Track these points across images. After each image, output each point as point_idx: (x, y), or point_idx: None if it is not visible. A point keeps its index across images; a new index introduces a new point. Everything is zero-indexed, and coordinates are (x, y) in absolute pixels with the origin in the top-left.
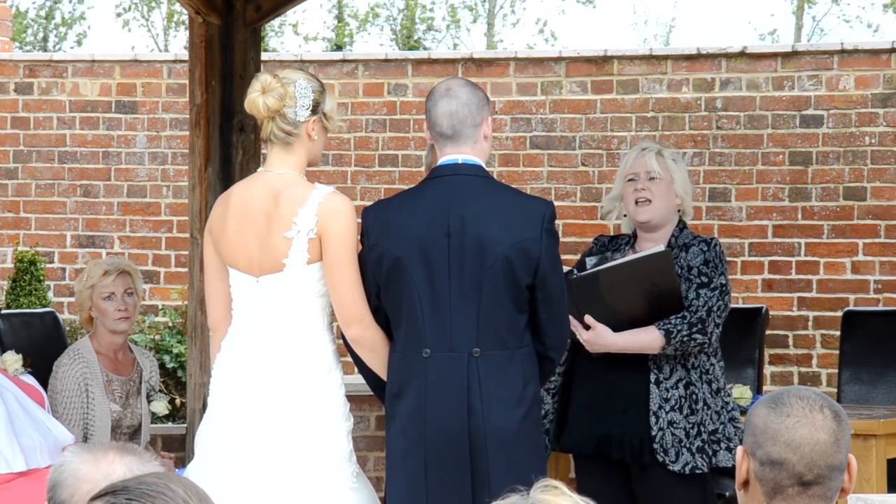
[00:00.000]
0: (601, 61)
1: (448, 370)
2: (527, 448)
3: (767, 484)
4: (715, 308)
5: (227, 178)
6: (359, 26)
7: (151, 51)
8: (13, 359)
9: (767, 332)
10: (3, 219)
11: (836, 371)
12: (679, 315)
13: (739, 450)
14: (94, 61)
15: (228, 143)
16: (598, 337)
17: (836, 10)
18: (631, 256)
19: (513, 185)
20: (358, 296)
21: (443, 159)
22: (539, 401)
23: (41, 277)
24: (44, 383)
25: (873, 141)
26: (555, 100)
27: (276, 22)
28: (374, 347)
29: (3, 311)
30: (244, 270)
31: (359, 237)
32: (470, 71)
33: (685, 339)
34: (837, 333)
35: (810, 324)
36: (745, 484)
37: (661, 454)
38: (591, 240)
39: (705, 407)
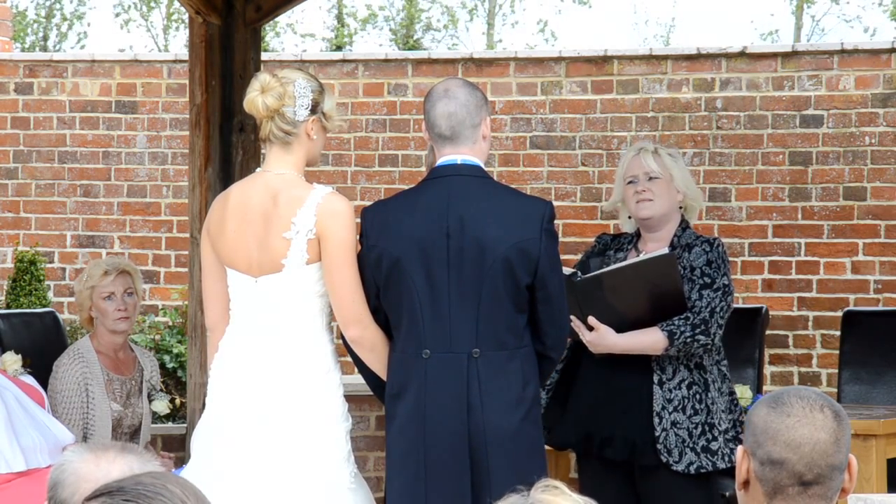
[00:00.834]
0: (601, 61)
1: (448, 370)
2: (527, 448)
3: (768, 484)
4: (718, 309)
5: (227, 178)
6: (359, 26)
7: (151, 51)
8: (13, 359)
9: (767, 332)
10: (3, 219)
11: (836, 371)
12: (682, 316)
13: (739, 449)
14: (94, 61)
15: (228, 143)
16: (601, 338)
17: (835, 9)
18: (634, 259)
19: (513, 185)
20: (357, 296)
21: (442, 160)
22: (539, 401)
23: (41, 277)
24: (44, 383)
25: (873, 141)
26: (555, 100)
27: (275, 22)
28: (373, 348)
29: (3, 312)
30: (243, 271)
31: (358, 237)
32: (470, 71)
33: (688, 340)
34: (837, 333)
35: (810, 324)
36: (746, 484)
37: (665, 454)
38: (590, 240)
39: (715, 406)
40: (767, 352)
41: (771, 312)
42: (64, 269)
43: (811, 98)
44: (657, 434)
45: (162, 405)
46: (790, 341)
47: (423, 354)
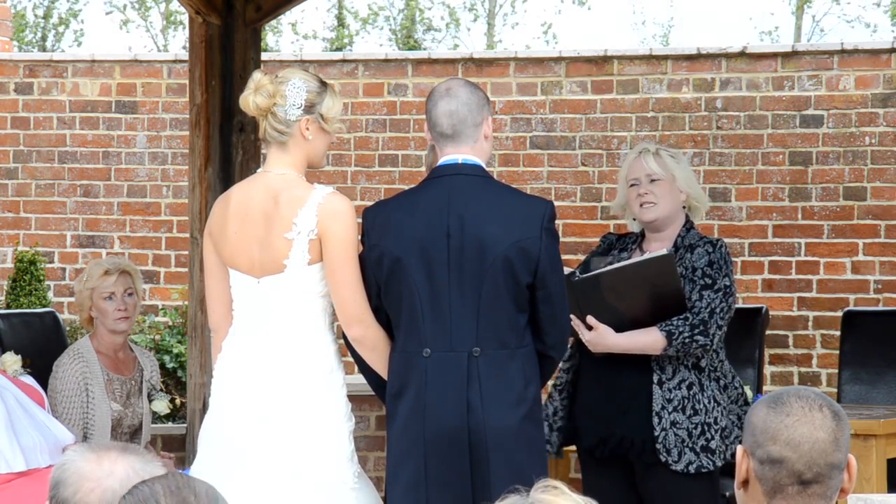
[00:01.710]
0: (601, 61)
1: (448, 370)
2: (527, 448)
3: (767, 483)
4: (718, 310)
5: (227, 178)
6: (360, 26)
7: (150, 51)
8: (12, 360)
9: (767, 332)
10: (3, 219)
11: (836, 371)
12: (681, 317)
13: (739, 449)
14: (93, 61)
15: (228, 143)
16: (600, 337)
17: (836, 9)
18: (633, 259)
19: (513, 185)
20: (359, 296)
21: (443, 159)
22: (540, 400)
23: (41, 277)
24: (44, 383)
25: (873, 141)
26: (555, 100)
27: (275, 21)
28: (375, 347)
29: (3, 312)
30: (245, 271)
31: (359, 237)
32: (470, 71)
33: (686, 340)
34: (837, 333)
35: (810, 324)
36: (745, 483)
37: (664, 454)
38: (590, 240)
39: (715, 405)
40: (767, 352)
41: (771, 312)
42: (64, 269)
43: (811, 98)
44: (656, 434)
45: (162, 405)
46: (790, 341)
47: (424, 353)
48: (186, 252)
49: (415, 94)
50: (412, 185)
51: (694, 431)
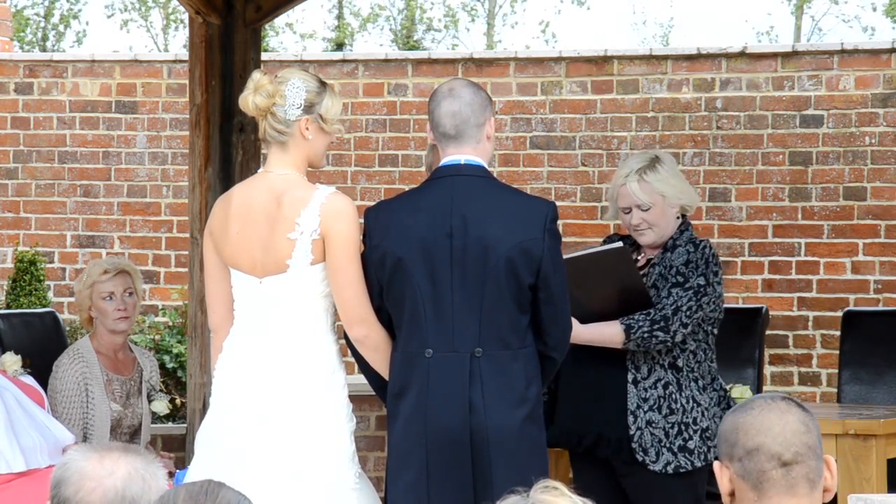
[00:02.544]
0: (601, 61)
1: (450, 370)
2: (528, 448)
3: (751, 477)
4: (684, 307)
5: (227, 178)
6: (360, 26)
7: (150, 51)
8: (12, 360)
9: (767, 332)
10: (3, 219)
11: (836, 371)
12: (644, 311)
13: (716, 465)
14: (94, 61)
15: (228, 143)
16: None
17: (835, 10)
18: (586, 250)
19: (513, 186)
20: (361, 296)
21: (445, 159)
22: (541, 401)
23: (41, 277)
24: (44, 383)
25: (873, 141)
26: (555, 100)
27: (275, 21)
28: (377, 347)
29: (3, 312)
30: (247, 272)
31: (361, 237)
32: (470, 71)
33: (645, 335)
34: (837, 333)
35: (810, 324)
36: (732, 494)
37: (641, 454)
38: (590, 240)
39: (695, 405)
40: (767, 352)
41: (771, 312)
42: (64, 269)
43: (811, 98)
44: (632, 433)
45: (162, 405)
46: (790, 341)
47: (426, 354)
48: (186, 252)
49: (415, 94)
50: (412, 185)
51: (671, 431)
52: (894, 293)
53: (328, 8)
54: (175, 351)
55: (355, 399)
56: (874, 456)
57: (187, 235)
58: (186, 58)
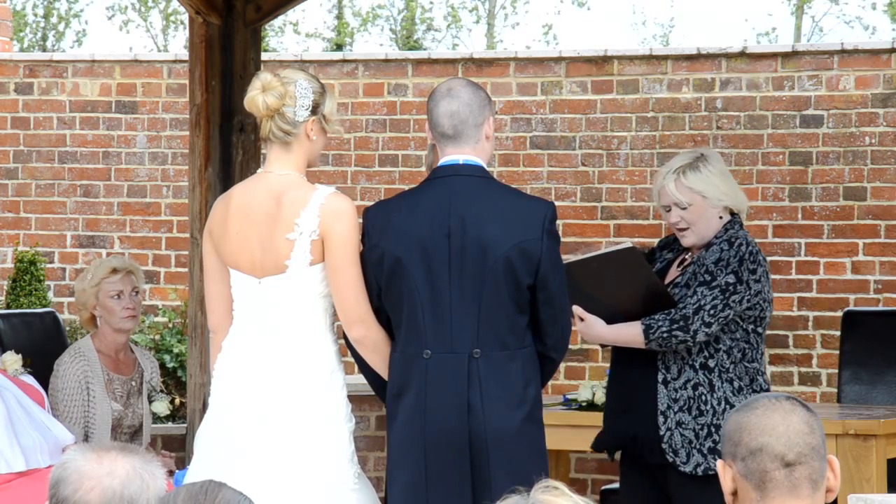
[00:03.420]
0: (601, 61)
1: (448, 371)
2: (527, 448)
3: (754, 477)
4: (707, 306)
5: (227, 178)
6: (360, 26)
7: (151, 51)
8: (13, 359)
9: (767, 332)
10: (3, 219)
11: (836, 371)
12: (665, 311)
13: (719, 464)
14: (94, 61)
15: (228, 143)
16: (588, 328)
17: (835, 9)
18: (597, 251)
19: (513, 186)
20: (360, 296)
21: (444, 159)
22: (540, 401)
23: (41, 277)
24: (44, 383)
25: (873, 141)
26: (555, 100)
27: (276, 21)
28: (376, 348)
29: (3, 312)
30: (246, 272)
31: (360, 237)
32: (470, 71)
33: (664, 335)
34: (837, 333)
35: (810, 324)
36: (734, 494)
37: (671, 454)
38: (590, 240)
39: (727, 406)
40: (767, 352)
41: None
42: (64, 269)
43: (811, 98)
44: (662, 433)
45: (162, 406)
46: (790, 341)
47: (425, 354)
48: (186, 252)
49: (415, 94)
50: (412, 185)
51: (701, 433)
52: (894, 293)
53: (328, 8)
54: (175, 351)
55: (355, 399)
56: (874, 456)
57: (187, 235)
58: (186, 58)
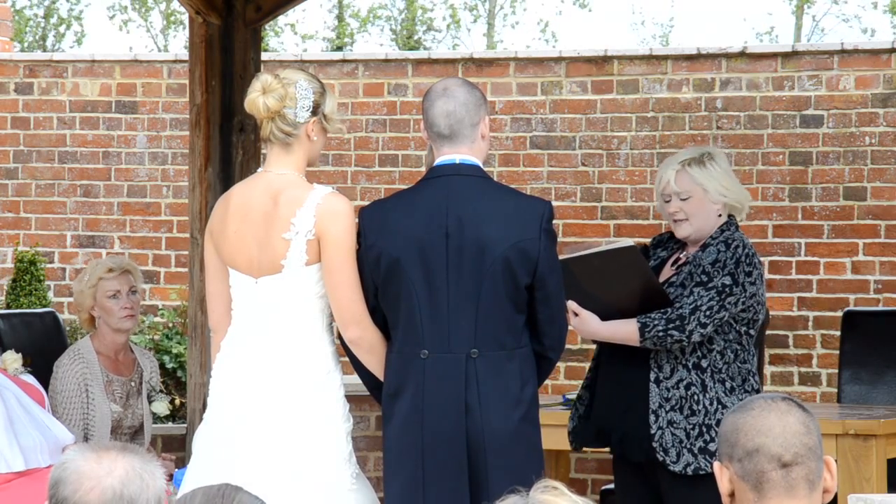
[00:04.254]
0: (601, 61)
1: (446, 371)
2: (525, 449)
3: (751, 478)
4: (704, 307)
5: (227, 178)
6: (359, 26)
7: (151, 51)
8: (13, 358)
9: (767, 332)
10: (3, 219)
11: (836, 371)
12: (662, 310)
13: (716, 466)
14: (94, 61)
15: (228, 144)
16: (583, 323)
17: (835, 9)
18: (597, 248)
19: (513, 185)
20: (356, 297)
21: (440, 159)
22: (537, 401)
23: (41, 277)
24: (44, 383)
25: (873, 141)
26: (555, 100)
27: (275, 22)
28: (371, 349)
29: (3, 312)
30: (244, 271)
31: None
32: (470, 71)
33: (660, 333)
34: (837, 333)
35: (810, 324)
36: (731, 495)
37: (661, 454)
38: (590, 240)
39: (719, 407)
40: (767, 352)
41: (771, 312)
42: (64, 269)
43: (811, 98)
44: (653, 432)
45: (162, 406)
46: (790, 341)
47: (422, 354)
48: (186, 252)
49: (415, 94)
50: (410, 185)
51: (692, 432)
52: (894, 293)
53: (328, 8)
54: (175, 351)
55: (354, 399)
56: (874, 456)
57: (187, 235)
58: (186, 58)
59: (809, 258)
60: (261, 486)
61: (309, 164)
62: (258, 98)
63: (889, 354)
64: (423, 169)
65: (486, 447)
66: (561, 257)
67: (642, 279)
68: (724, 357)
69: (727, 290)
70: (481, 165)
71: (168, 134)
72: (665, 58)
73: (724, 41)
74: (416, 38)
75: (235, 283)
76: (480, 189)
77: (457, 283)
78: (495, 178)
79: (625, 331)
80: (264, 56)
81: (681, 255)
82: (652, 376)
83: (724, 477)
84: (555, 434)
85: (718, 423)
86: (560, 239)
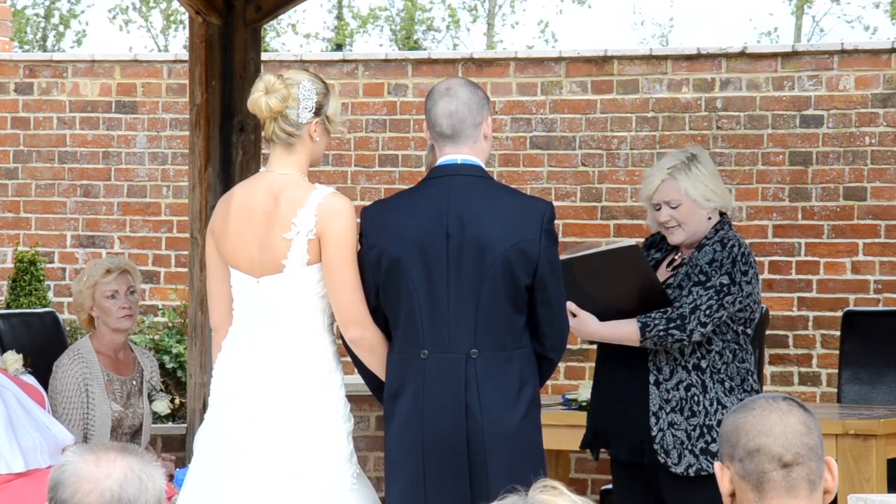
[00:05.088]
0: (601, 61)
1: (446, 371)
2: (525, 449)
3: (751, 478)
4: (703, 306)
5: (227, 178)
6: (359, 26)
7: (151, 51)
8: (13, 358)
9: (767, 332)
10: (3, 219)
11: (836, 371)
12: (661, 310)
13: (717, 466)
14: (94, 61)
15: (228, 144)
16: (581, 324)
17: (835, 9)
18: (599, 248)
19: (513, 185)
20: (357, 297)
21: (442, 159)
22: (538, 401)
23: (41, 277)
24: (44, 383)
25: (873, 141)
26: (555, 100)
27: (275, 22)
28: (372, 349)
29: (3, 312)
30: (245, 271)
31: (358, 237)
32: (470, 71)
33: (661, 333)
34: (837, 333)
35: (810, 324)
36: (732, 495)
37: (663, 455)
38: (590, 240)
39: (719, 407)
40: (767, 352)
41: (771, 312)
42: (64, 269)
43: (811, 98)
44: (654, 434)
45: (162, 406)
46: (790, 341)
47: (422, 355)
48: (186, 252)
49: (415, 94)
50: (412, 186)
51: (693, 433)
52: (894, 293)
53: (328, 8)
54: (175, 351)
55: (355, 399)
56: (874, 456)
57: (187, 235)
58: (186, 58)
59: (809, 258)
60: (261, 486)
61: (311, 164)
62: (261, 98)
63: (889, 354)
64: (424, 169)
65: (487, 447)
66: (561, 257)
67: (644, 279)
68: (722, 357)
69: (725, 289)
70: (483, 166)
71: (168, 134)
72: (665, 58)
73: (724, 41)
74: (415, 38)
75: (237, 282)
76: (481, 189)
77: (457, 284)
78: (495, 179)
79: (624, 331)
80: (264, 56)
81: (676, 257)
82: (651, 378)
83: (724, 477)
84: (555, 434)
85: (719, 423)
86: (560, 239)
